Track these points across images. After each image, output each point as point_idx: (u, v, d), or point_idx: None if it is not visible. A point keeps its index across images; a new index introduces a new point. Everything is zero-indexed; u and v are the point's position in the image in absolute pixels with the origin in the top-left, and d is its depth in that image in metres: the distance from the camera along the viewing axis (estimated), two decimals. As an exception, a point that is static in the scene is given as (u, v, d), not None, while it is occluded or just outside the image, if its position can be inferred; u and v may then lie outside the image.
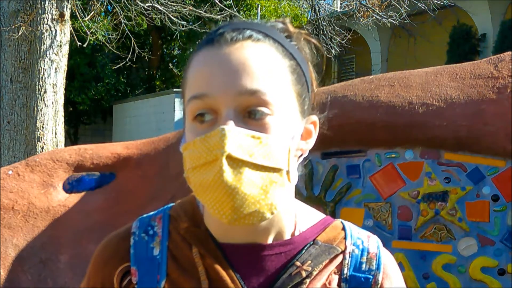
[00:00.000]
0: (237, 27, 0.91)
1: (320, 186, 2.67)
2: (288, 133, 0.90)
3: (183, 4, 8.15)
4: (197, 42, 15.33)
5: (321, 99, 2.66)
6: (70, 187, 3.08)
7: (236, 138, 0.84)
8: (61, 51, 6.29)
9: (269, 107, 0.87)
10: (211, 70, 0.88)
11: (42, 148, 6.13)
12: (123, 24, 7.86)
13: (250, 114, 0.87)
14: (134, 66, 13.72)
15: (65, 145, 5.85)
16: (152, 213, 1.01)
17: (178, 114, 14.04)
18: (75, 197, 3.05)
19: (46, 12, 6.15)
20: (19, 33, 6.01)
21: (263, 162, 0.86)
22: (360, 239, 0.98)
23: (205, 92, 0.87)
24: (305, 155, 0.97)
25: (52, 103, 6.22)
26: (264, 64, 0.89)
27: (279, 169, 0.87)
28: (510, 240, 2.41)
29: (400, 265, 2.51)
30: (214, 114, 0.88)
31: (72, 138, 16.96)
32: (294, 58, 0.93)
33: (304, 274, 0.92)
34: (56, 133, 6.26)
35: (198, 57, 0.91)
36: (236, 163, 0.84)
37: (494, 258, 2.43)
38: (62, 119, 6.39)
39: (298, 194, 0.95)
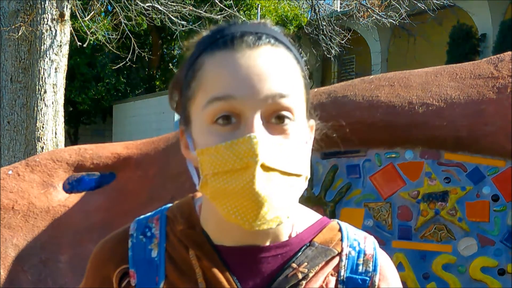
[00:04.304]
0: (249, 30, 0.89)
1: (320, 186, 2.67)
2: (303, 139, 0.91)
3: (183, 4, 8.16)
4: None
5: (321, 99, 2.66)
6: (70, 187, 3.08)
7: (268, 146, 0.84)
8: (61, 51, 6.29)
9: (292, 112, 0.87)
10: (236, 72, 0.86)
11: (42, 148, 6.13)
12: (123, 24, 7.86)
13: (276, 119, 0.86)
14: (134, 66, 13.72)
15: (65, 145, 5.85)
16: (148, 214, 1.01)
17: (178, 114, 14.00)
18: (75, 197, 3.05)
19: (46, 12, 6.16)
20: (19, 33, 6.01)
21: (289, 170, 0.86)
22: (357, 241, 0.98)
23: (231, 93, 0.85)
24: None
25: (52, 103, 6.22)
26: (287, 69, 0.88)
27: (300, 175, 0.88)
28: (510, 240, 2.41)
29: (400, 265, 2.51)
30: (237, 117, 0.85)
31: (72, 138, 16.97)
32: (300, 63, 0.93)
33: (300, 276, 0.92)
34: (56, 133, 6.26)
35: (214, 59, 0.88)
36: (267, 171, 0.84)
37: (494, 258, 2.42)
38: (62, 119, 6.39)
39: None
